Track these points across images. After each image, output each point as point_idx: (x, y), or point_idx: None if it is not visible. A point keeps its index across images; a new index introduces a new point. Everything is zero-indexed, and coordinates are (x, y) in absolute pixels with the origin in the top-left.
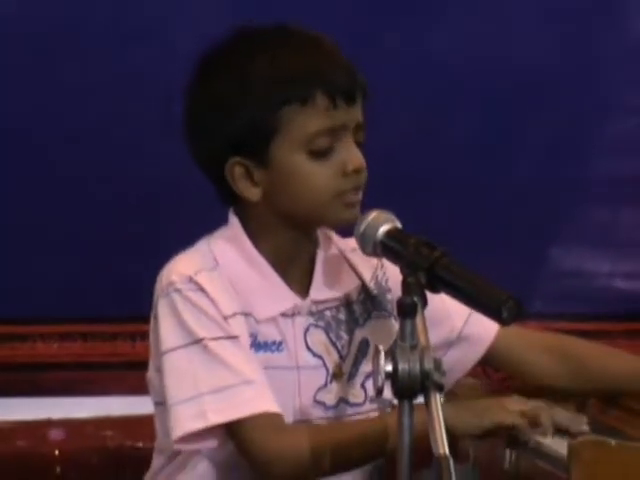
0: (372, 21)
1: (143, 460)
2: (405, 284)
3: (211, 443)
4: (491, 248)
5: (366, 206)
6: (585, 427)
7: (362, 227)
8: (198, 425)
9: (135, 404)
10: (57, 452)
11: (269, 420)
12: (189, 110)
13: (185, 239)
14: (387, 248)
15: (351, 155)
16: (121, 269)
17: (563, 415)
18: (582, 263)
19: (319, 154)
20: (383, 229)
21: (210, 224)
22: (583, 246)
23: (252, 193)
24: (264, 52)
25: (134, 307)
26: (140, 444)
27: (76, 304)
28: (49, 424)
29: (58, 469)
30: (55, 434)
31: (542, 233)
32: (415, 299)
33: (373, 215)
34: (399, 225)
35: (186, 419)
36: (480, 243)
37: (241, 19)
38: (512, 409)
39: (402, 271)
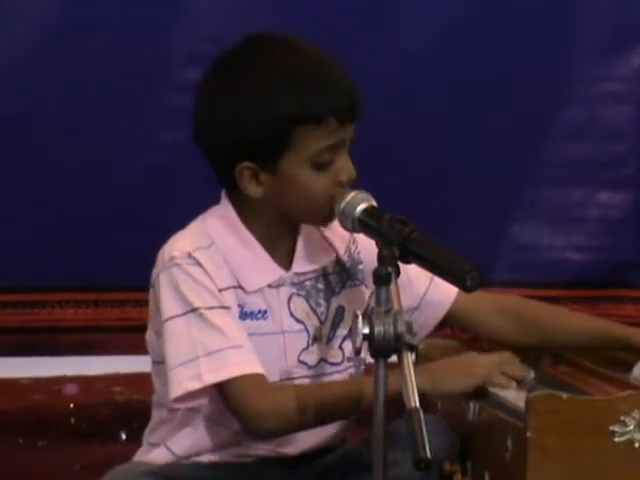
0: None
1: (148, 412)
2: (380, 256)
3: (203, 400)
4: (460, 224)
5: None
6: (532, 374)
7: (342, 205)
8: (194, 386)
9: (141, 362)
10: (71, 405)
11: (255, 380)
12: (204, 112)
13: (183, 219)
14: (364, 224)
15: (346, 167)
16: (129, 244)
17: (514, 367)
18: (538, 237)
19: (321, 166)
20: (361, 207)
21: (206, 203)
22: (539, 222)
23: (255, 191)
24: (282, 69)
25: (140, 277)
26: (146, 398)
27: (89, 275)
28: (64, 380)
29: (72, 420)
30: (69, 389)
31: (504, 210)
32: (389, 269)
33: (352, 195)
34: (375, 203)
35: (184, 380)
36: (450, 220)
37: (237, 19)
38: (482, 369)
39: (377, 245)
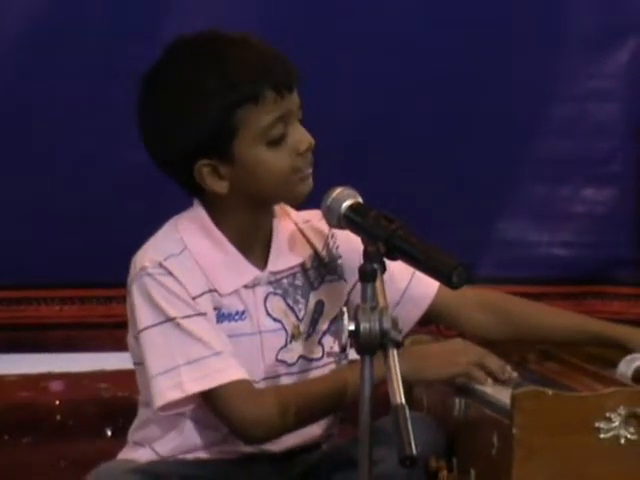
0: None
1: (134, 409)
2: (366, 253)
3: (189, 407)
4: (447, 220)
5: (330, 177)
6: (514, 374)
7: (328, 202)
8: (177, 395)
9: (127, 359)
10: (57, 402)
11: (240, 387)
12: (147, 122)
13: (169, 215)
14: (350, 221)
15: (302, 136)
16: (115, 241)
17: (495, 362)
18: (525, 233)
19: (275, 142)
20: (346, 204)
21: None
22: (526, 218)
23: (220, 187)
24: (208, 62)
25: (126, 274)
26: (131, 395)
27: (75, 272)
28: (50, 377)
29: (58, 417)
30: (55, 386)
31: (491, 207)
32: (375, 266)
33: (338, 191)
34: (361, 200)
35: (166, 389)
36: (437, 216)
37: (236, 18)
38: (465, 358)
39: (363, 241)
